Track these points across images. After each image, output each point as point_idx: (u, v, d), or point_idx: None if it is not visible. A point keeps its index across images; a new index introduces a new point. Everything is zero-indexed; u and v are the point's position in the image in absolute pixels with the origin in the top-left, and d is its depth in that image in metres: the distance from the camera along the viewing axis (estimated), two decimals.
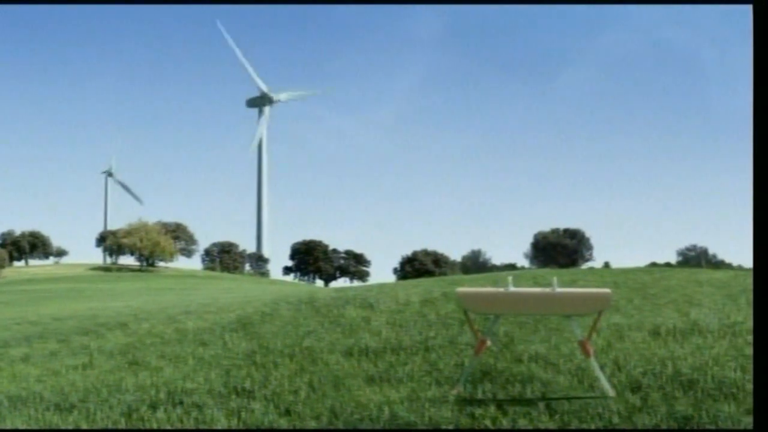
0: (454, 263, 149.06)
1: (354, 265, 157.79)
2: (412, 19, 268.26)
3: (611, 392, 8.82)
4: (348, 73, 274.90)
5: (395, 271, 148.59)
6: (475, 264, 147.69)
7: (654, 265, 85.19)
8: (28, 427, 9.12)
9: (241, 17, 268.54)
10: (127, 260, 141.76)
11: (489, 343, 10.03)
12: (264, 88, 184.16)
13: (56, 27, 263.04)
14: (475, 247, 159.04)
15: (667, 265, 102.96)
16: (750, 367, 9.53)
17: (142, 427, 8.86)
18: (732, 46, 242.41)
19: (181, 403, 9.70)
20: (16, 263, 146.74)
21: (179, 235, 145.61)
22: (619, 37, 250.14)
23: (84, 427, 9.03)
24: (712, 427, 7.67)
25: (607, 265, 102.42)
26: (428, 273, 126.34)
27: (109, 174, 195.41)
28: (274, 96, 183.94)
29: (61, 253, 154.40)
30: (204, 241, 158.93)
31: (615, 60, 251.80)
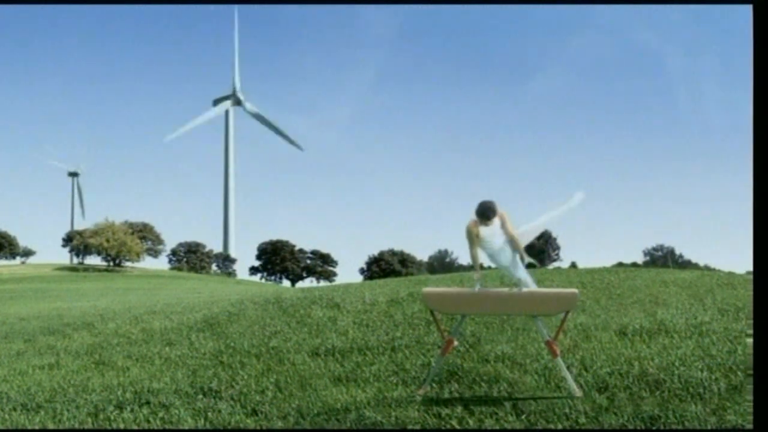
0: (420, 263, 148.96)
1: (321, 265, 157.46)
2: (364, 18, 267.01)
3: (578, 392, 8.85)
4: (300, 73, 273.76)
5: (362, 271, 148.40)
6: (441, 264, 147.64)
7: (620, 265, 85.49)
8: None
9: (195, 16, 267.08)
10: (94, 260, 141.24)
11: (456, 343, 10.05)
12: (237, 84, 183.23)
13: (16, 24, 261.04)
14: (442, 247, 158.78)
15: (634, 265, 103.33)
16: (716, 367, 9.59)
17: (108, 428, 8.84)
18: (701, 49, 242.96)
19: (148, 403, 9.68)
20: None
21: (146, 236, 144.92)
22: (589, 40, 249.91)
23: (51, 427, 9.00)
24: (679, 428, 7.71)
25: (573, 265, 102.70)
26: (395, 273, 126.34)
27: (75, 174, 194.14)
28: (242, 98, 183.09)
29: (28, 253, 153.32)
30: (171, 241, 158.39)
31: (583, 62, 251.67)
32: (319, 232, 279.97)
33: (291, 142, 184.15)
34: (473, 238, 9.53)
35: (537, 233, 10.15)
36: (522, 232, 9.76)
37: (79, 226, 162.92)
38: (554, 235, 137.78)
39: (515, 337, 12.14)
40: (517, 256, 9.66)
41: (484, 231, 9.45)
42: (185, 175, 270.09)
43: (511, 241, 9.57)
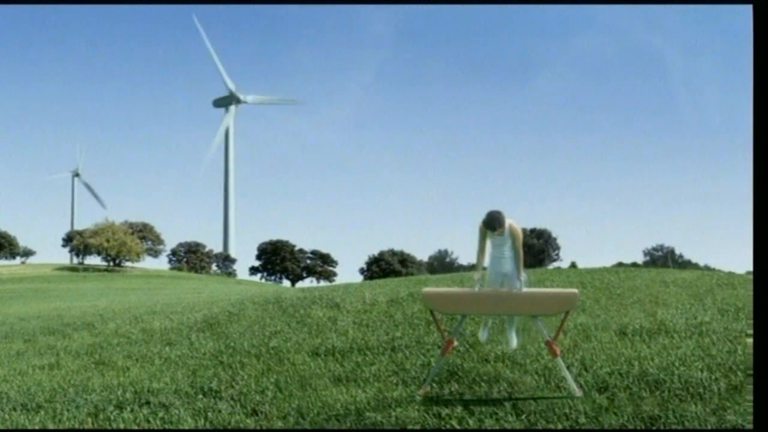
0: (420, 263, 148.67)
1: (320, 265, 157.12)
2: (364, 18, 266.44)
3: (578, 392, 8.85)
4: (300, 72, 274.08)
5: (362, 271, 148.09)
6: (441, 264, 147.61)
7: (620, 265, 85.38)
8: None
9: (191, 16, 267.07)
10: (94, 260, 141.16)
11: (456, 343, 10.05)
12: (232, 86, 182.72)
13: (16, 24, 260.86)
14: (442, 247, 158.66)
15: (634, 265, 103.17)
16: (716, 367, 9.59)
17: (108, 427, 8.84)
18: (701, 50, 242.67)
19: (148, 403, 9.69)
20: None
21: (146, 236, 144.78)
22: (590, 41, 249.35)
23: (51, 427, 9.01)
24: (679, 428, 7.71)
25: (573, 265, 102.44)
26: (395, 273, 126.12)
27: (76, 174, 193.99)
28: (242, 96, 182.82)
29: (28, 253, 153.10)
30: (171, 241, 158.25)
31: (584, 63, 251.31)
32: (319, 232, 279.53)
33: None
34: (482, 239, 9.61)
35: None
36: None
37: (79, 225, 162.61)
38: (554, 235, 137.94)
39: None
40: (508, 267, 9.75)
41: (493, 236, 9.55)
42: (185, 175, 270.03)
43: (516, 255, 9.65)
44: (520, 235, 9.75)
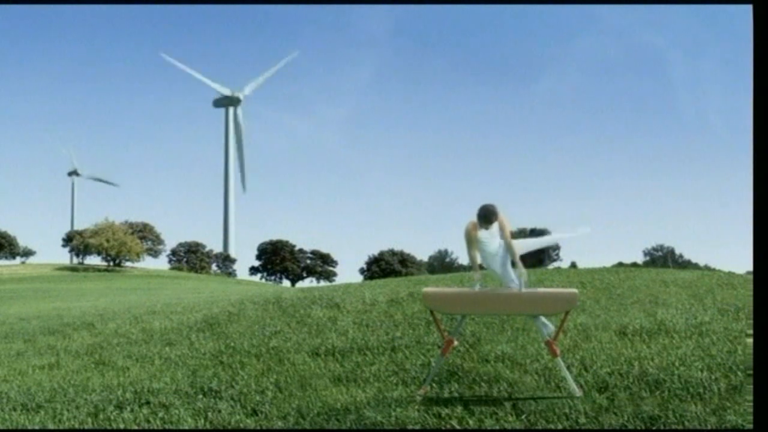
0: (420, 263, 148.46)
1: (321, 265, 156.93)
2: (362, 17, 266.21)
3: (578, 392, 8.84)
4: (298, 72, 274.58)
5: (362, 271, 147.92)
6: (441, 264, 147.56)
7: (620, 265, 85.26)
8: None
9: (190, 17, 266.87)
10: (94, 260, 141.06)
11: (456, 343, 10.05)
12: (227, 92, 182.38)
13: (17, 23, 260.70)
14: (442, 247, 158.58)
15: (634, 265, 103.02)
16: (716, 367, 9.59)
17: (108, 428, 8.83)
18: (703, 51, 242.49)
19: (148, 403, 9.68)
20: None
21: (146, 236, 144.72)
22: (592, 42, 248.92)
23: (51, 427, 9.00)
24: (679, 428, 7.71)
25: (573, 265, 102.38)
26: (395, 273, 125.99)
27: (76, 174, 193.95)
28: (240, 95, 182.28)
29: (28, 253, 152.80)
30: (171, 241, 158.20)
31: (586, 63, 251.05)
32: (319, 232, 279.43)
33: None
34: (471, 240, 9.57)
35: (536, 248, 10.10)
36: (523, 243, 9.82)
37: (79, 225, 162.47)
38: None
39: (515, 337, 12.14)
40: (509, 261, 9.74)
41: (482, 234, 9.50)
42: (185, 175, 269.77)
43: (507, 246, 9.62)
44: (508, 226, 9.69)
